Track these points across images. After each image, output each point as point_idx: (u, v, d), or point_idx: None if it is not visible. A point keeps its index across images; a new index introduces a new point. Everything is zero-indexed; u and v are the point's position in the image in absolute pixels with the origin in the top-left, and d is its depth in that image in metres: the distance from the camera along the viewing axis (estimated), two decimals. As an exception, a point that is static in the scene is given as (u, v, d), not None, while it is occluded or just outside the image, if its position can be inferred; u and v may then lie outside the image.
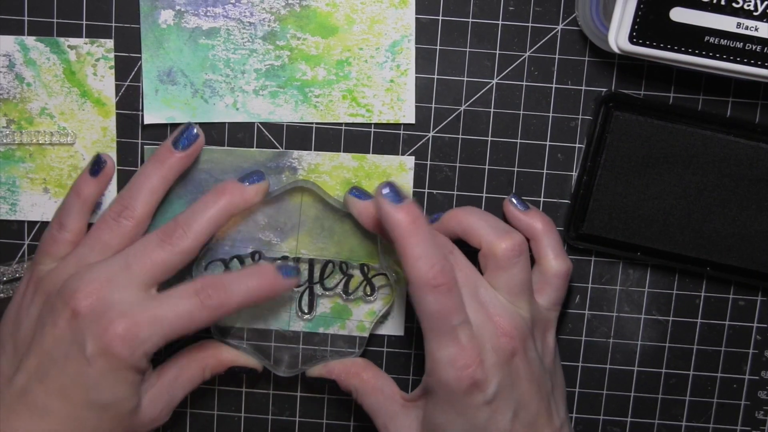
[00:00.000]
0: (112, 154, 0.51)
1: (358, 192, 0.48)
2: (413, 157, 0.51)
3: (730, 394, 0.53)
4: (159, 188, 0.48)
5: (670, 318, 0.53)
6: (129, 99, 0.51)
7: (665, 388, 0.53)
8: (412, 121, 0.51)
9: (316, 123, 0.51)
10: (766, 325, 0.52)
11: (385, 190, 0.43)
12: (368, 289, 0.51)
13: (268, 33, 0.49)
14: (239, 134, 0.51)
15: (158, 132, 0.51)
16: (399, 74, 0.50)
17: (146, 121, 0.51)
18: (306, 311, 0.51)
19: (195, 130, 0.49)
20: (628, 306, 0.52)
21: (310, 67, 0.50)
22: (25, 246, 0.53)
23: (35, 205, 0.52)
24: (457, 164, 0.51)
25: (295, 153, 0.51)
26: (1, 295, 0.52)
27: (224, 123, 0.51)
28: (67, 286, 0.45)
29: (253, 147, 0.51)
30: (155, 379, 0.48)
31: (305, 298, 0.51)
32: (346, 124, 0.51)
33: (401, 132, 0.51)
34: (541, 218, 0.49)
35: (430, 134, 0.51)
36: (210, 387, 0.54)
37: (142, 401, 0.47)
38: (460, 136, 0.51)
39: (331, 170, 0.51)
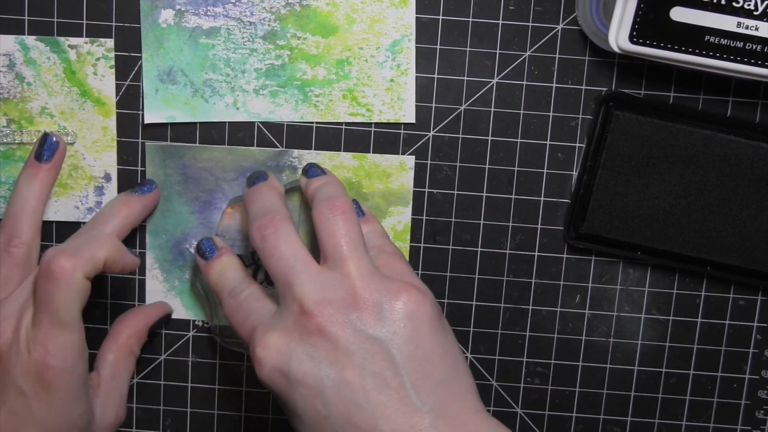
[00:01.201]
0: (113, 154, 0.51)
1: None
2: (413, 157, 0.51)
3: (730, 394, 0.53)
4: (38, 207, 0.47)
5: (670, 318, 0.53)
6: (129, 98, 0.51)
7: (665, 387, 0.53)
8: (413, 120, 0.51)
9: (317, 122, 0.51)
10: (766, 325, 0.52)
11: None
12: None
13: (268, 32, 0.49)
14: (239, 133, 0.51)
15: (158, 131, 0.51)
16: (399, 74, 0.50)
17: (146, 121, 0.51)
18: None
19: (54, 139, 0.48)
20: (628, 306, 0.52)
21: (310, 66, 0.50)
22: (26, 245, 0.53)
23: (35, 204, 0.52)
24: (458, 164, 0.51)
25: (296, 152, 0.51)
26: (1, 294, 0.52)
27: (224, 122, 0.51)
28: None
29: (253, 146, 0.51)
30: (96, 383, 0.48)
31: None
32: (347, 124, 0.51)
33: (401, 131, 0.51)
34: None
35: (431, 134, 0.51)
36: (210, 387, 0.54)
37: (95, 410, 0.47)
38: (461, 136, 0.51)
39: (331, 169, 0.51)
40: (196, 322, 0.53)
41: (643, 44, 0.45)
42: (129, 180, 0.52)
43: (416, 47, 0.50)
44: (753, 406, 0.53)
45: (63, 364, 0.43)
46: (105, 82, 0.51)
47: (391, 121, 0.50)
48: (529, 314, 0.53)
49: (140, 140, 0.51)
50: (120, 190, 0.52)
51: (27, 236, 0.47)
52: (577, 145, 0.51)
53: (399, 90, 0.50)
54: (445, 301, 0.52)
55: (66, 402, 0.44)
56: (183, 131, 0.51)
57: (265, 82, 0.50)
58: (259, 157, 0.51)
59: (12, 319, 0.44)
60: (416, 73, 0.50)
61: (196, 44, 0.50)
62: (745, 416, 0.53)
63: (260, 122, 0.51)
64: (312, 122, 0.51)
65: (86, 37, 0.50)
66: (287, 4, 0.49)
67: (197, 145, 0.51)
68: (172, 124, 0.51)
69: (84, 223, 0.52)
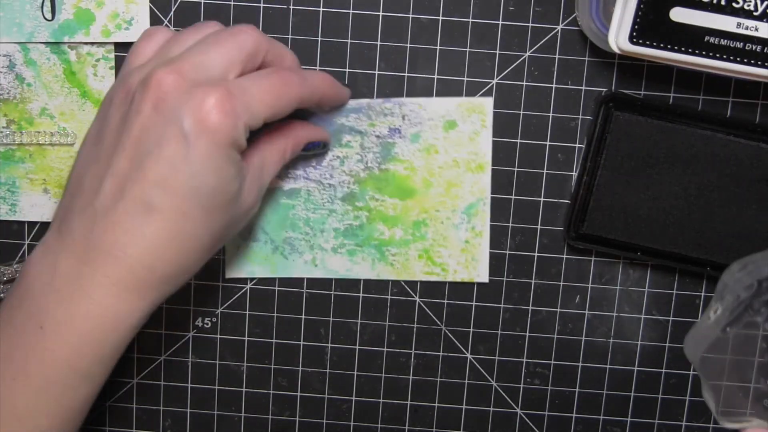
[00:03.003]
0: (112, 154, 0.51)
1: None
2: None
3: (730, 394, 0.53)
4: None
5: (670, 318, 0.53)
6: (129, 99, 0.51)
7: (665, 388, 0.53)
8: (486, 280, 0.52)
9: (392, 280, 0.52)
10: (766, 325, 0.52)
11: None
12: None
13: (347, 194, 0.51)
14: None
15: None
16: (474, 235, 0.51)
17: (227, 276, 0.52)
18: None
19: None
20: (628, 306, 0.52)
21: (387, 227, 0.51)
22: (25, 246, 0.53)
23: (35, 205, 0.52)
24: (457, 164, 0.51)
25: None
26: (2, 295, 0.52)
27: (302, 279, 0.53)
28: (149, 75, 0.41)
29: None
30: (244, 165, 0.43)
31: None
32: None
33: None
34: None
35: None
36: (210, 387, 0.54)
37: (243, 186, 0.43)
38: (460, 136, 0.51)
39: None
40: (204, 320, 0.53)
41: (643, 45, 0.45)
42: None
43: (416, 47, 0.50)
44: (753, 406, 0.53)
45: (235, 115, 0.40)
46: (105, 83, 0.51)
47: (466, 281, 0.52)
48: (529, 315, 0.53)
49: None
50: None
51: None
52: (577, 145, 0.51)
53: (473, 251, 0.51)
54: (445, 301, 0.52)
55: (223, 158, 0.40)
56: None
57: (343, 241, 0.52)
58: None
59: (180, 62, 0.41)
60: (416, 73, 0.50)
61: (277, 204, 0.51)
62: (745, 416, 0.53)
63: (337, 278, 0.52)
64: (388, 279, 0.52)
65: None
66: (366, 168, 0.51)
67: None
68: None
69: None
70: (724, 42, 0.44)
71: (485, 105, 0.50)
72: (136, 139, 0.40)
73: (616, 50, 0.46)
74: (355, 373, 0.54)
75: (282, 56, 0.45)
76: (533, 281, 0.52)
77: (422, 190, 0.51)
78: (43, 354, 0.41)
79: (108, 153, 0.41)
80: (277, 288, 0.53)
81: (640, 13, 0.44)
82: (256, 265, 0.52)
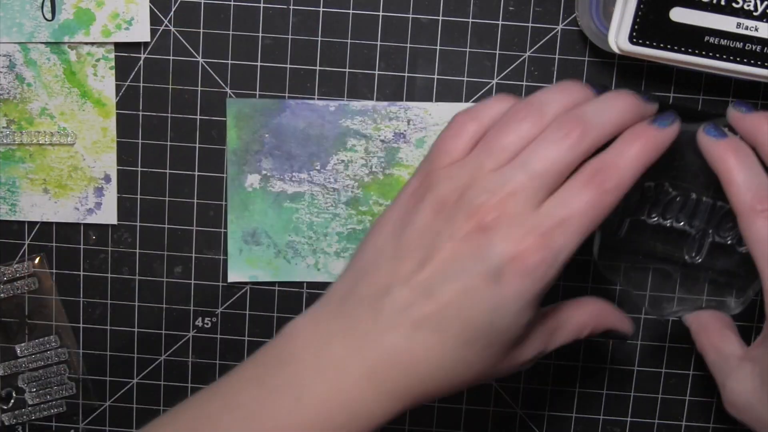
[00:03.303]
0: (113, 155, 0.51)
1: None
2: (413, 157, 0.51)
3: (730, 394, 0.53)
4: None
5: (671, 318, 0.52)
6: (129, 99, 0.51)
7: (665, 387, 0.53)
8: None
9: None
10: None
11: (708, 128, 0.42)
12: None
13: (351, 198, 0.51)
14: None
15: (158, 132, 0.51)
16: None
17: (230, 280, 0.52)
18: (694, 254, 0.48)
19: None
20: (628, 306, 0.52)
21: None
22: (26, 246, 0.53)
23: (35, 205, 0.52)
24: (457, 164, 0.51)
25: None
26: (2, 295, 0.52)
27: (303, 282, 0.53)
28: (468, 198, 0.40)
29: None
30: (538, 320, 0.42)
31: (697, 240, 0.48)
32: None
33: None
34: None
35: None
36: (210, 387, 0.54)
37: (529, 335, 0.42)
38: (460, 136, 0.51)
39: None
40: (204, 320, 0.53)
41: (643, 45, 0.45)
42: (129, 181, 0.52)
43: (416, 48, 0.50)
44: (753, 406, 0.53)
45: (553, 258, 0.39)
46: (105, 83, 0.51)
47: None
48: (529, 314, 0.53)
49: (140, 141, 0.51)
50: (120, 191, 0.52)
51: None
52: (577, 145, 0.51)
53: None
54: (445, 301, 0.52)
55: (528, 304, 0.40)
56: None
57: (346, 245, 0.52)
58: None
59: (501, 195, 0.40)
60: (416, 73, 0.50)
61: (281, 208, 0.51)
62: (745, 416, 0.53)
63: None
64: None
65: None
66: (371, 173, 0.51)
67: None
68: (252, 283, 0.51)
69: (84, 224, 0.52)
70: (723, 42, 0.44)
71: None
72: (444, 261, 0.39)
73: (616, 50, 0.46)
74: (355, 373, 0.53)
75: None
76: (533, 281, 0.52)
77: None
78: (293, 427, 0.39)
79: (407, 259, 0.40)
80: (277, 288, 0.53)
81: (639, 13, 0.44)
82: (259, 269, 0.52)
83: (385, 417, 0.40)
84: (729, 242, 0.46)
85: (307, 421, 0.39)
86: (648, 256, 0.48)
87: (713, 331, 0.46)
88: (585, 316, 0.45)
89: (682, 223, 0.47)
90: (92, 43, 0.50)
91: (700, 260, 0.47)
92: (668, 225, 0.47)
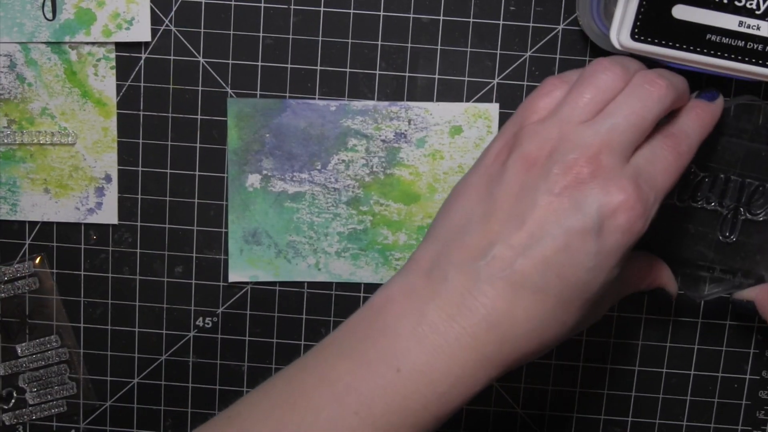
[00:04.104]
0: (113, 154, 0.51)
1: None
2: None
3: (730, 394, 0.53)
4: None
5: (671, 318, 0.53)
6: (130, 99, 0.51)
7: (666, 387, 0.53)
8: None
9: None
10: (767, 325, 0.52)
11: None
12: None
13: (352, 198, 0.51)
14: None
15: (159, 131, 0.51)
16: None
17: (230, 279, 0.52)
18: (728, 234, 0.48)
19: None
20: (628, 306, 0.52)
21: (391, 231, 0.51)
22: (26, 246, 0.53)
23: (36, 205, 0.52)
24: (458, 164, 0.51)
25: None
26: (2, 295, 0.52)
27: (304, 282, 0.53)
28: (560, 152, 0.39)
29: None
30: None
31: (729, 219, 0.48)
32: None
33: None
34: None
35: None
36: (211, 387, 0.54)
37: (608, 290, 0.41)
38: (461, 136, 0.51)
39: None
40: (205, 320, 0.53)
41: (645, 42, 0.45)
42: (129, 181, 0.52)
43: (417, 47, 0.50)
44: (754, 406, 0.53)
45: (647, 214, 0.39)
46: (106, 83, 0.51)
47: None
48: (530, 314, 0.53)
49: (141, 141, 0.51)
50: (120, 191, 0.52)
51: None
52: (578, 145, 0.51)
53: None
54: (446, 301, 0.52)
55: (621, 259, 0.39)
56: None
57: (347, 245, 0.52)
58: None
59: (593, 149, 0.39)
60: (417, 73, 0.50)
61: (281, 208, 0.51)
62: (745, 417, 0.53)
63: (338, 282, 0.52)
64: None
65: (87, 37, 0.50)
66: (371, 173, 0.51)
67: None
68: (253, 283, 0.51)
69: (85, 223, 0.52)
70: (725, 40, 0.44)
71: (491, 111, 0.50)
72: (541, 218, 0.39)
73: (618, 47, 0.46)
74: (356, 373, 0.53)
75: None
76: (534, 281, 0.52)
77: (427, 196, 0.51)
78: (393, 398, 0.39)
79: (502, 218, 0.39)
80: (278, 288, 0.53)
81: (642, 9, 0.44)
82: (260, 268, 0.52)
83: (483, 383, 0.39)
84: (762, 218, 0.47)
85: (408, 392, 0.39)
86: (682, 239, 0.48)
87: None
88: (649, 269, 0.46)
89: (713, 204, 0.47)
90: (93, 43, 0.50)
91: (734, 239, 0.48)
92: (699, 206, 0.47)
